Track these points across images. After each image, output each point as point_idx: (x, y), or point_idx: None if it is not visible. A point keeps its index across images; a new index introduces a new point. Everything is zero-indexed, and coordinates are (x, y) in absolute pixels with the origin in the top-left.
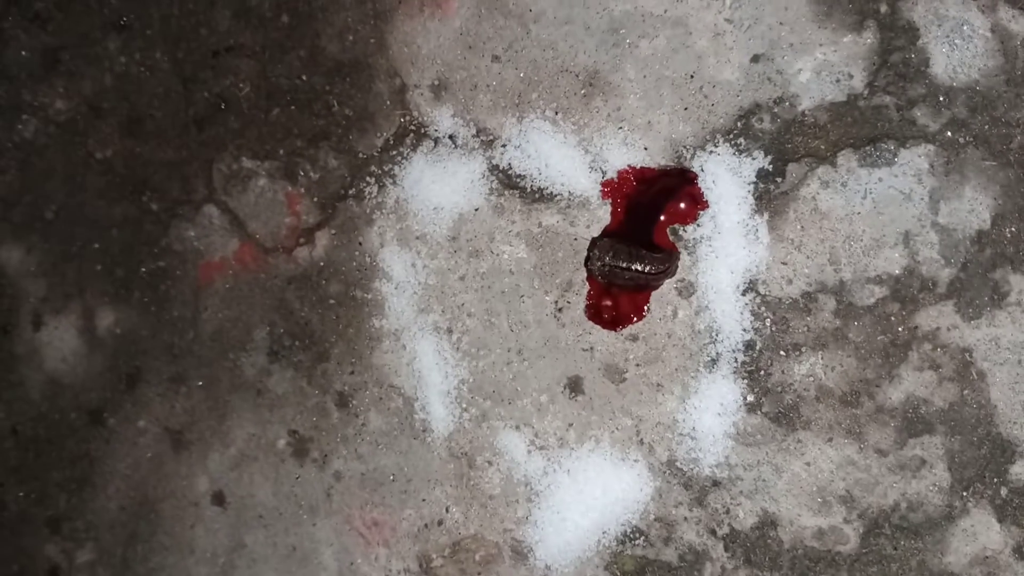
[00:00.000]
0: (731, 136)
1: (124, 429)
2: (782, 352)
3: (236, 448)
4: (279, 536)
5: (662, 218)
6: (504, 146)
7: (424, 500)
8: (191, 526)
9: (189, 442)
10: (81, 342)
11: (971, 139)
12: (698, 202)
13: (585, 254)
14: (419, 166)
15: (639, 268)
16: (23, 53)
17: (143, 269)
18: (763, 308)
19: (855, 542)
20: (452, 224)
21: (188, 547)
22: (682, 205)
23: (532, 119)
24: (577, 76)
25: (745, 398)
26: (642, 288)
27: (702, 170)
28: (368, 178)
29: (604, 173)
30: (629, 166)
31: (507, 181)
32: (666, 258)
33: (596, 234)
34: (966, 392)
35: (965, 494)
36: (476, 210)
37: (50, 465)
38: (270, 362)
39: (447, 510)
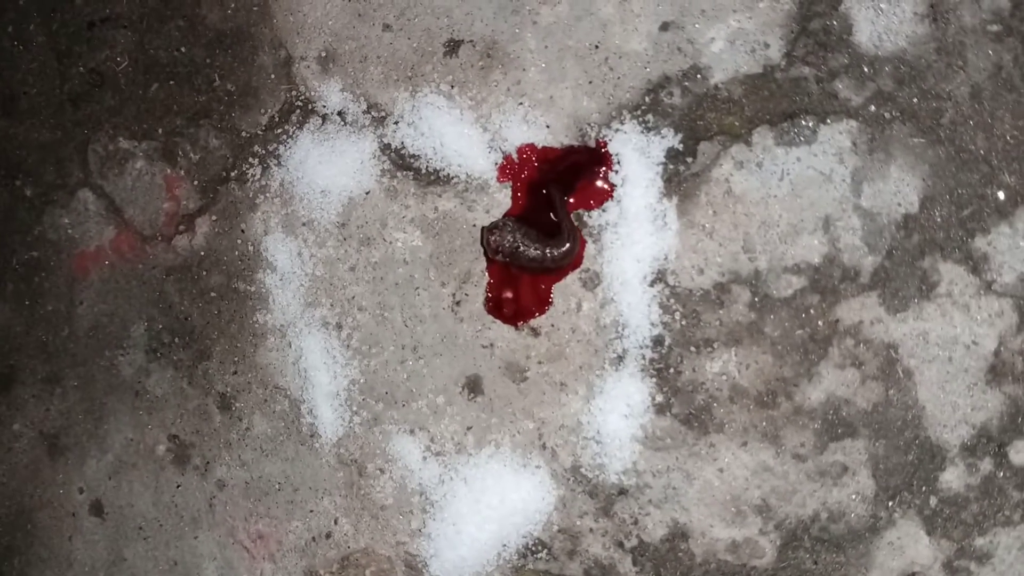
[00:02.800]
0: (638, 112)
1: None
2: (693, 348)
3: (113, 454)
4: (159, 550)
5: (570, 201)
6: (396, 123)
7: (311, 511)
8: (69, 538)
9: (65, 447)
10: None
11: (898, 114)
12: (604, 184)
13: (482, 236)
14: (305, 145)
15: (542, 250)
16: None
17: (16, 260)
18: (672, 300)
19: (772, 555)
20: (341, 209)
21: (66, 560)
22: (598, 184)
23: (426, 94)
24: (474, 47)
25: (653, 398)
26: (547, 271)
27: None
28: (251, 159)
29: (503, 153)
30: (529, 145)
31: (400, 162)
32: (568, 239)
33: (496, 219)
34: (891, 392)
35: (891, 504)
36: (367, 194)
37: None
38: (148, 361)
39: (336, 522)
